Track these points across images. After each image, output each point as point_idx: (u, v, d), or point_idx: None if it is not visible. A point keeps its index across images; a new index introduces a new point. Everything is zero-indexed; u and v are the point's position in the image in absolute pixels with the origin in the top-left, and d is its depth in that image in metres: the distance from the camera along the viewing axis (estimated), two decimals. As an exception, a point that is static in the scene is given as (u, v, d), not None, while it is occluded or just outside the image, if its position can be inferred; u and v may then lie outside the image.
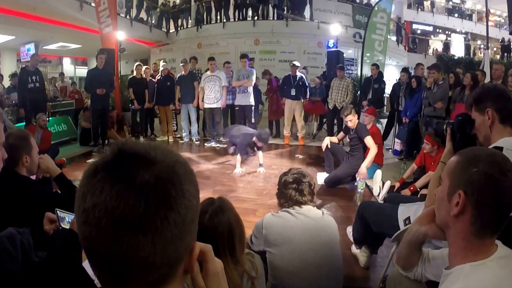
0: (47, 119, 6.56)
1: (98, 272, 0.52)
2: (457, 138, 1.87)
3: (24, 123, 6.61)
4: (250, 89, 7.12)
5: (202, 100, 7.28)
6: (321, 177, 4.89)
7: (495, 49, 18.75)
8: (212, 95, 7.21)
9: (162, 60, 9.47)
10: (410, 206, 2.20)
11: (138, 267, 0.49)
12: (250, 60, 8.64)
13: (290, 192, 2.06)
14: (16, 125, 6.78)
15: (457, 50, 20.26)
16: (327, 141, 4.95)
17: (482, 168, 1.00)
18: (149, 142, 0.55)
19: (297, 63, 7.66)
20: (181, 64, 7.64)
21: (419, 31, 21.17)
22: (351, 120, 4.69)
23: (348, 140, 5.02)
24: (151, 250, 0.48)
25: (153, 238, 0.48)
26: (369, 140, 4.53)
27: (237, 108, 7.28)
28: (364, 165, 4.45)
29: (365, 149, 4.65)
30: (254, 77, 7.10)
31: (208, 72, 7.33)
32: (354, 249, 2.90)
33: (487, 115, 1.73)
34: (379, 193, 4.40)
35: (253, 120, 7.24)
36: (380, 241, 2.70)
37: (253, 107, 7.23)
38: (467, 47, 19.81)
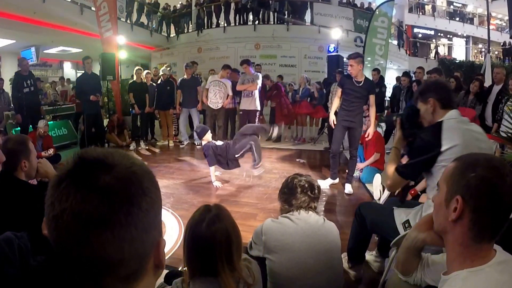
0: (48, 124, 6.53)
1: (72, 275, 0.54)
2: (406, 126, 2.18)
3: (20, 129, 6.59)
4: (256, 93, 7.04)
5: (206, 97, 7.21)
6: (322, 184, 4.85)
7: (496, 52, 18.76)
8: (214, 100, 7.21)
9: (165, 65, 9.46)
10: (406, 209, 2.19)
11: (109, 264, 0.53)
12: (257, 66, 8.65)
13: (301, 196, 2.01)
14: (15, 129, 6.82)
15: (459, 53, 20.29)
16: None
17: (480, 172, 1.00)
18: (106, 148, 0.59)
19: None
20: (185, 67, 7.65)
21: (420, 35, 21.23)
22: (352, 66, 4.36)
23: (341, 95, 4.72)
24: (119, 245, 0.52)
25: (119, 233, 0.52)
26: (372, 99, 4.54)
27: (241, 112, 7.22)
28: (371, 129, 4.67)
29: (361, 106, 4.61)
30: (259, 81, 7.02)
31: (216, 76, 7.30)
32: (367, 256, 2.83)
33: (429, 104, 2.03)
34: (380, 197, 4.38)
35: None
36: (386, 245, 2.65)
37: (257, 112, 7.16)
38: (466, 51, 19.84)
